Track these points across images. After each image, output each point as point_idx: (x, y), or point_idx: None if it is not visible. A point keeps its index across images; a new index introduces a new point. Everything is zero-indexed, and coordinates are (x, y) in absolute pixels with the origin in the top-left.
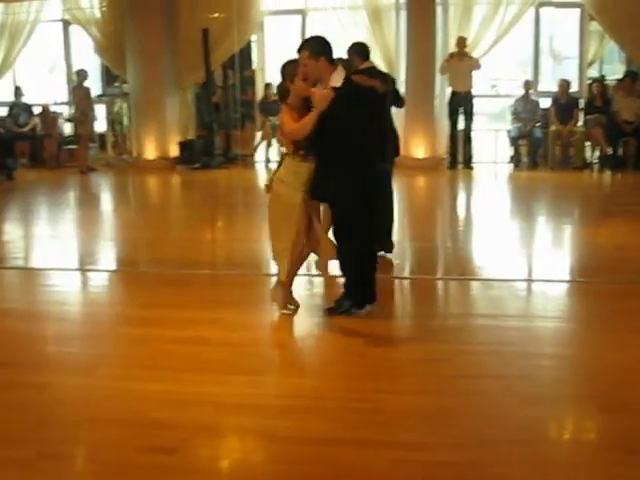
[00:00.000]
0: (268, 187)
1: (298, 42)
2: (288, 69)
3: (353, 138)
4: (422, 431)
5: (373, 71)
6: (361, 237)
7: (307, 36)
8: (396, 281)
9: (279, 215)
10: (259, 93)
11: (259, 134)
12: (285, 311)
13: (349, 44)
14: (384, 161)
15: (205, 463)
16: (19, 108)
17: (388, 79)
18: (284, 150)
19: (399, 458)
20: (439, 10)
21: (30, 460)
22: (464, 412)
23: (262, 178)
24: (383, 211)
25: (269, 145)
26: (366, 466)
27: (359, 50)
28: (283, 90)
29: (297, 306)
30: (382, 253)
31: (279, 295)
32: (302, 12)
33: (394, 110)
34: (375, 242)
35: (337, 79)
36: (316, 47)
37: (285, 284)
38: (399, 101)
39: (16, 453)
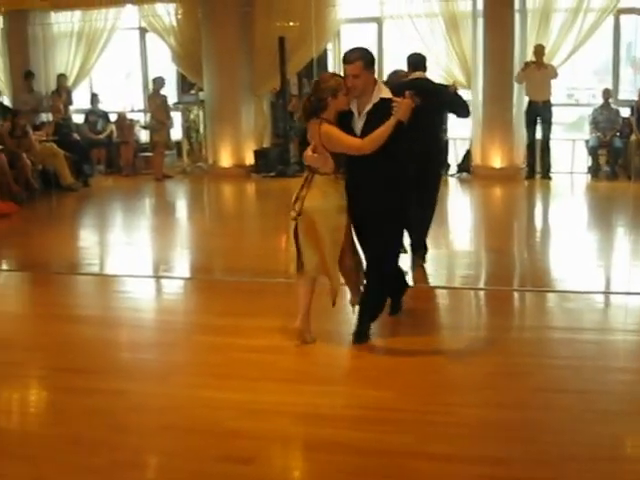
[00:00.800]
0: (298, 215)
1: (374, 50)
2: (330, 83)
3: (401, 147)
4: (504, 446)
5: (424, 82)
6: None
7: (383, 45)
8: (471, 292)
9: (327, 239)
10: None
11: None
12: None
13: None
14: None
15: (280, 473)
16: (95, 115)
17: (439, 90)
18: (321, 170)
19: (481, 473)
20: (517, 17)
21: (103, 467)
22: (546, 427)
23: None
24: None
25: None
26: None
27: (409, 60)
28: (319, 105)
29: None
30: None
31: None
32: (378, 20)
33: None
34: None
35: (385, 90)
36: (368, 58)
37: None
38: (460, 111)
39: (90, 460)
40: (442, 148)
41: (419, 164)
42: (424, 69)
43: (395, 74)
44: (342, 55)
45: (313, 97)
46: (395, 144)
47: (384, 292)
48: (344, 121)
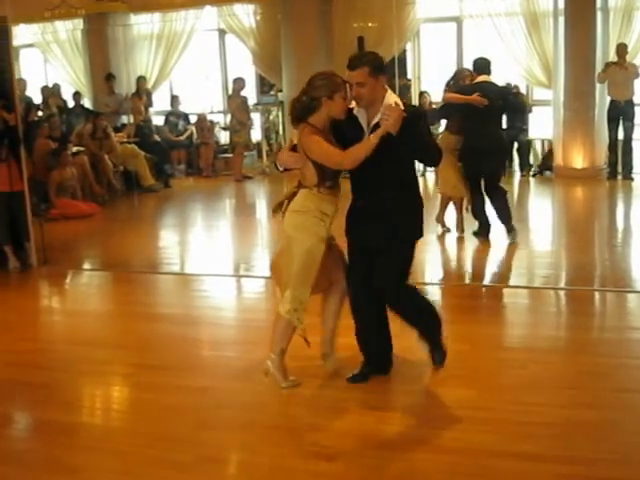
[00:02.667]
0: (275, 210)
1: (453, 50)
2: (329, 80)
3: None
4: (586, 445)
5: (489, 85)
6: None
7: (463, 44)
8: (552, 292)
9: (296, 262)
10: (414, 102)
11: None
12: (285, 384)
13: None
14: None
15: (365, 471)
16: (175, 117)
17: (503, 93)
18: (304, 183)
19: (565, 473)
20: (599, 15)
21: (189, 462)
22: (628, 428)
23: None
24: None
25: None
26: None
27: (474, 65)
28: (310, 105)
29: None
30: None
31: (276, 366)
32: (457, 20)
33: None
34: None
35: (396, 99)
36: (376, 63)
37: (283, 352)
38: (516, 112)
39: (175, 455)
40: (506, 146)
41: (483, 161)
42: (489, 73)
43: (461, 72)
44: (421, 55)
45: (305, 96)
46: (401, 159)
47: (415, 307)
48: (353, 136)
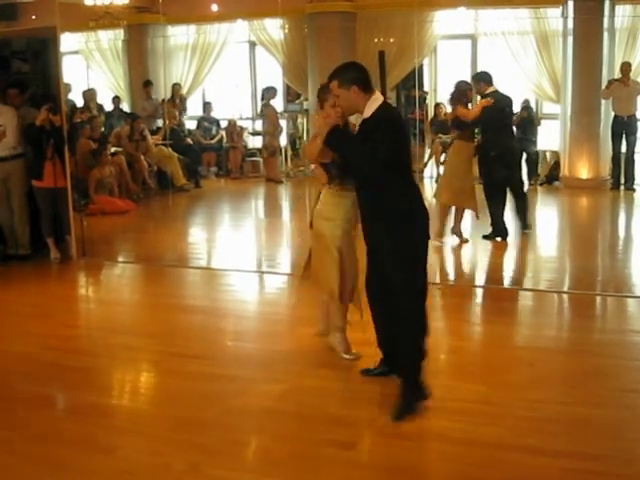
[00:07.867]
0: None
1: (468, 65)
2: (319, 91)
3: (400, 167)
4: (590, 442)
5: (497, 94)
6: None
7: (477, 61)
8: (555, 295)
9: (322, 255)
10: (430, 112)
11: (428, 151)
12: (347, 356)
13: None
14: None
15: (380, 459)
16: (207, 122)
17: (508, 101)
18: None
19: (568, 467)
20: (605, 36)
21: (214, 445)
22: (633, 426)
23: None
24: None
25: (438, 161)
26: (535, 473)
27: (485, 77)
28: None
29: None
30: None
31: (338, 341)
32: (472, 37)
33: None
34: None
35: (369, 110)
36: (345, 76)
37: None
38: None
39: (201, 439)
40: (514, 151)
41: (492, 166)
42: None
43: (462, 86)
44: (438, 69)
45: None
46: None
47: (416, 334)
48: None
